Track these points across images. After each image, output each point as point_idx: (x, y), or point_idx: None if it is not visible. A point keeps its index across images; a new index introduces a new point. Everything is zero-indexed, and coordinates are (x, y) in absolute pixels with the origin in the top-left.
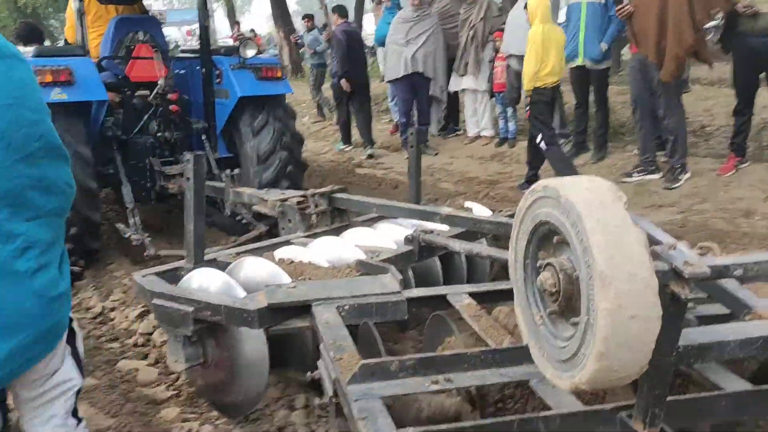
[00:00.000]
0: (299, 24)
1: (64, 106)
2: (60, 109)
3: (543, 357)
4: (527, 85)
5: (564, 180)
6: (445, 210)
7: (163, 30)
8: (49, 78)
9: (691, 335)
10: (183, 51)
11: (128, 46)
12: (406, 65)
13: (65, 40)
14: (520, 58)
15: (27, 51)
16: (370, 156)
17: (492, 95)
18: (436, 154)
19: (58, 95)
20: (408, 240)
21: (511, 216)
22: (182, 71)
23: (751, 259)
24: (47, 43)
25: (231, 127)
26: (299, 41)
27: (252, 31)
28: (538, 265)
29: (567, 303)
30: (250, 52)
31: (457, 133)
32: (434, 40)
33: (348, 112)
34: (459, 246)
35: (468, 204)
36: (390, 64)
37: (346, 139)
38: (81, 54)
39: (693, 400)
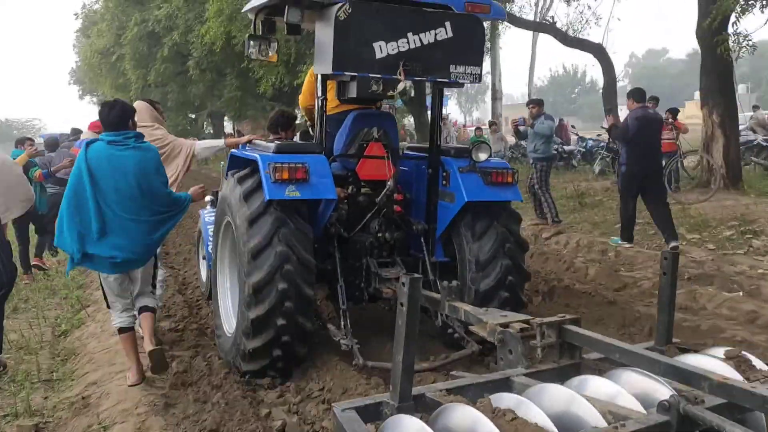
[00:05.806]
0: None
1: (296, 202)
2: (292, 204)
3: None
4: None
5: None
6: (718, 374)
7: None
8: (285, 175)
9: None
10: (410, 149)
11: (361, 143)
12: None
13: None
14: None
15: (268, 146)
16: (674, 248)
17: None
18: None
19: (291, 192)
20: (664, 408)
21: None
22: (407, 169)
23: None
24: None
25: (451, 231)
26: (519, 126)
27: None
28: None
29: None
30: (482, 156)
31: None
32: None
33: (634, 207)
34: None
35: (751, 357)
36: None
37: (629, 236)
38: (318, 151)
39: None
